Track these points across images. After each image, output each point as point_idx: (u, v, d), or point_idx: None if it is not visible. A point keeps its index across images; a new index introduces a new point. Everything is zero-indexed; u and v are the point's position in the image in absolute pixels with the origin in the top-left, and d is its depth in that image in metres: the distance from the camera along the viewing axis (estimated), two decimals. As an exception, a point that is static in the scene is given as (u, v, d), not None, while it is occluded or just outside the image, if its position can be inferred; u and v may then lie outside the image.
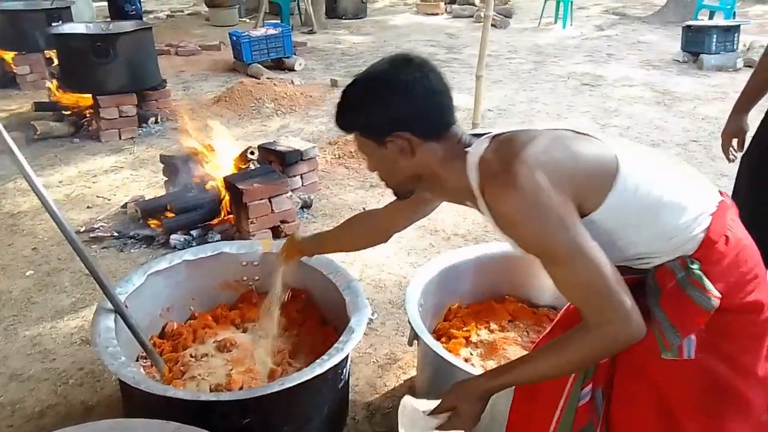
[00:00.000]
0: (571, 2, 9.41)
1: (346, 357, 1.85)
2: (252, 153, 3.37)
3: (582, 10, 10.71)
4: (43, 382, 2.25)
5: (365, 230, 1.73)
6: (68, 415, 2.09)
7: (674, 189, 1.19)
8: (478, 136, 1.24)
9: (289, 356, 2.11)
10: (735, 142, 2.25)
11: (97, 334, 1.79)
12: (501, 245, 2.39)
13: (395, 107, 1.19)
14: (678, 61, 7.05)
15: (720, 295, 1.11)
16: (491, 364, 2.03)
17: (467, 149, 1.21)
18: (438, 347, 1.82)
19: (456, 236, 3.31)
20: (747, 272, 1.18)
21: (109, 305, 1.84)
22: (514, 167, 1.09)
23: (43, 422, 2.06)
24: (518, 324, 2.26)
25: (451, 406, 1.29)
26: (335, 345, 1.80)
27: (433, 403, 1.32)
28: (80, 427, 1.45)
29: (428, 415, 1.31)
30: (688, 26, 7.09)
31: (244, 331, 2.24)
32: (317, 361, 1.73)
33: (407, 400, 1.37)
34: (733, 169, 2.32)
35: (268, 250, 2.26)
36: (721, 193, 1.27)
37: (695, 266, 1.14)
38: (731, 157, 2.27)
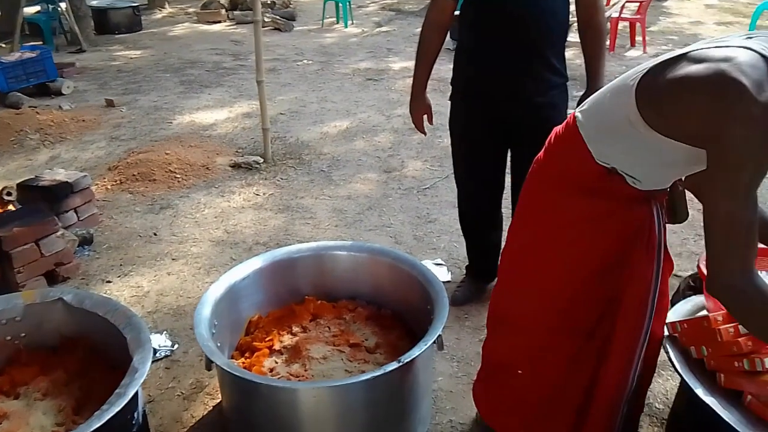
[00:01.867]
0: (349, 2, 9.73)
1: (133, 400, 1.70)
2: (9, 194, 2.97)
3: (361, 9, 11.14)
4: None
5: None
6: None
7: None
8: None
9: (74, 412, 1.90)
10: (425, 117, 2.52)
11: None
12: (290, 248, 2.39)
13: None
14: (449, 49, 7.62)
15: None
16: (296, 368, 2.01)
17: None
18: (230, 366, 1.75)
19: (258, 245, 3.24)
20: None
21: None
22: None
23: None
24: (320, 321, 2.26)
25: None
26: (116, 391, 1.64)
27: None
28: None
29: None
30: (456, 16, 7.69)
31: (16, 398, 1.96)
32: (96, 413, 1.56)
33: None
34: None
35: (30, 301, 2.01)
36: None
37: None
38: (426, 131, 2.56)
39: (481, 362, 1.89)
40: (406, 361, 1.71)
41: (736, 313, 1.27)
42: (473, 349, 2.40)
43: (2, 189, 3.00)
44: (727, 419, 1.38)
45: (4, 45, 8.58)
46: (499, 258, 1.80)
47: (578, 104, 2.33)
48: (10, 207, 3.00)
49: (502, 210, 2.65)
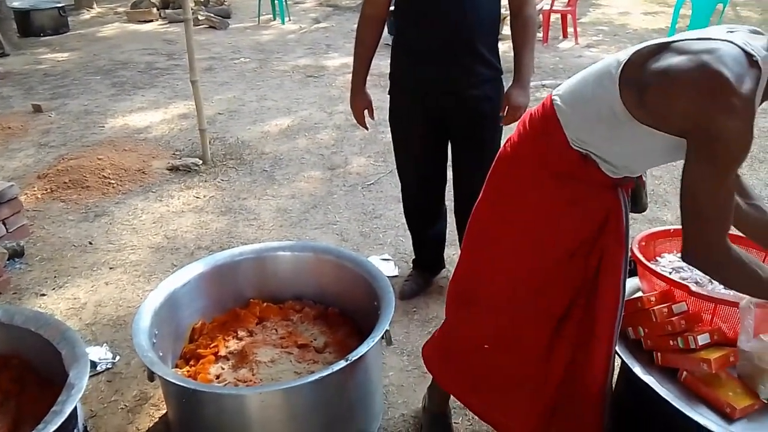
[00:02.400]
0: (285, -2, 9.62)
1: (72, 417, 1.63)
2: (-74, 208, 2.79)
3: (298, 5, 11.02)
4: None
5: None
6: None
7: None
8: None
9: (9, 434, 1.81)
10: (366, 112, 2.52)
11: None
12: (232, 251, 2.34)
13: None
14: (388, 44, 7.64)
15: None
16: (243, 373, 1.97)
17: None
18: (172, 376, 1.70)
19: (200, 249, 3.16)
20: None
21: None
22: None
23: None
24: (266, 324, 2.23)
25: None
26: (53, 408, 1.57)
27: None
28: None
29: None
30: (392, 11, 7.71)
31: (-54, 425, 1.85)
32: (30, 433, 1.49)
33: None
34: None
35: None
36: None
37: None
38: (368, 126, 2.58)
39: (437, 339, 1.86)
40: (354, 359, 1.70)
41: (721, 281, 1.39)
42: (422, 342, 2.40)
43: None
44: (664, 396, 1.43)
45: None
46: (462, 240, 1.76)
47: (506, 94, 2.35)
48: (-71, 222, 2.82)
49: (446, 203, 2.68)
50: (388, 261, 2.98)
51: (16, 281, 2.88)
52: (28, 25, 8.96)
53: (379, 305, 1.97)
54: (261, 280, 2.32)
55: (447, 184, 2.61)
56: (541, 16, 7.27)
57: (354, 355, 1.71)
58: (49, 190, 3.73)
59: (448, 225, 2.74)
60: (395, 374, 2.26)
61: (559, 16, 7.94)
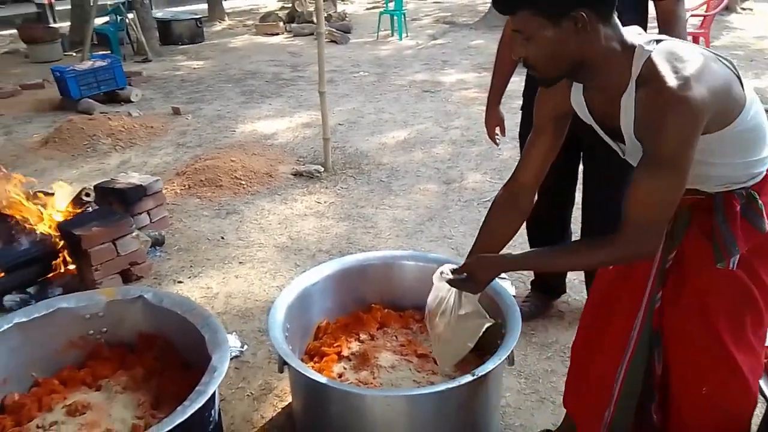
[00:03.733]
0: (404, 14, 9.82)
1: (212, 398, 1.75)
2: (87, 194, 3.11)
3: (415, 21, 11.23)
4: None
5: (514, 211, 1.68)
6: None
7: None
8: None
9: (152, 407, 1.97)
10: (498, 129, 2.57)
11: None
12: (358, 256, 2.41)
13: None
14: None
15: None
16: (365, 375, 2.03)
17: (633, 41, 1.25)
18: (306, 369, 1.78)
19: (321, 252, 3.28)
20: None
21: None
22: (689, 87, 1.16)
23: None
24: (387, 330, 2.28)
25: (470, 270, 1.61)
26: (197, 388, 1.69)
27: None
28: None
29: (451, 271, 1.72)
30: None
31: (98, 390, 2.04)
32: (178, 408, 1.62)
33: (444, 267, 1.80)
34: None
35: (112, 297, 2.10)
36: None
37: (757, 196, 1.35)
38: (497, 141, 2.65)
39: None
40: (480, 375, 1.70)
41: None
42: (541, 366, 2.36)
43: (82, 190, 3.14)
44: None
45: (74, 54, 9.02)
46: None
47: None
48: (88, 207, 3.13)
49: (572, 226, 2.62)
50: (505, 280, 2.94)
51: (157, 268, 3.14)
52: (168, 34, 9.79)
53: (503, 323, 1.96)
54: (384, 286, 2.37)
55: (574, 207, 2.56)
56: (671, 38, 6.94)
57: (480, 371, 1.71)
58: (186, 187, 4.04)
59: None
60: (512, 396, 2.23)
61: (690, 38, 7.55)
